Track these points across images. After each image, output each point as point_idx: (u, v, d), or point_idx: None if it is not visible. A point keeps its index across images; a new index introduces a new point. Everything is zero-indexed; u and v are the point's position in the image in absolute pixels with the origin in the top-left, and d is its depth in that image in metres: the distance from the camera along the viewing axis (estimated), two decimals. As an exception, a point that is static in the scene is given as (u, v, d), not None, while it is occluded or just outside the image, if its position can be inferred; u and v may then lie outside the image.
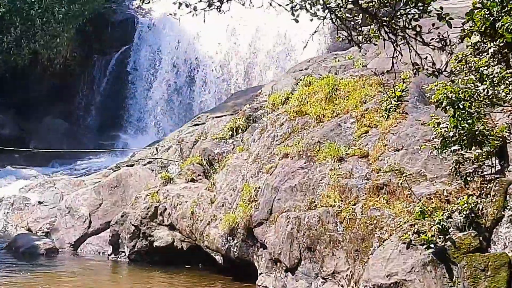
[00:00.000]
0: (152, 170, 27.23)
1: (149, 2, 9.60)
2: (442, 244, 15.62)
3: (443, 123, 13.85)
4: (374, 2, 9.63)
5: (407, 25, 9.78)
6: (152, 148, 29.86)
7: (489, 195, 15.93)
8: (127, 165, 28.54)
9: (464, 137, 13.48)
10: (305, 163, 18.93)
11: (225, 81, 39.19)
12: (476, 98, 12.88)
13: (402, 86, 19.42)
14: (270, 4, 10.13)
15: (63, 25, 38.87)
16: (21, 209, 28.19)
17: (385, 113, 19.16)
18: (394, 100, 19.11)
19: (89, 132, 41.25)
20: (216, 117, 28.47)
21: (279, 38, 37.47)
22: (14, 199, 28.81)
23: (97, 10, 41.04)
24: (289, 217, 18.09)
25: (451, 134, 13.60)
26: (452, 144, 13.71)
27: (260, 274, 18.91)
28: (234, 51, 38.95)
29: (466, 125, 13.21)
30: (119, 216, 23.77)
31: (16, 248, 24.41)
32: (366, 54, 23.64)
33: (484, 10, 11.23)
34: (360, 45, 10.63)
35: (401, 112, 19.04)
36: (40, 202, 28.17)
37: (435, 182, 16.89)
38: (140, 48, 41.64)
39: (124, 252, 23.60)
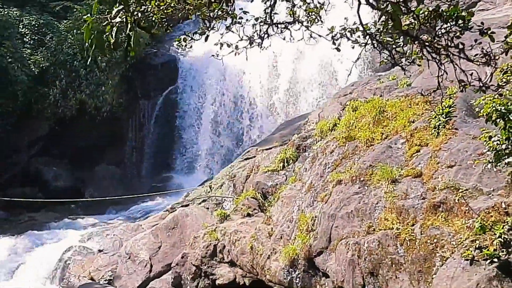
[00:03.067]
0: (207, 208, 27.35)
1: (191, 47, 9.70)
2: (506, 257, 15.44)
3: (495, 136, 13.76)
4: (414, 24, 9.64)
5: (449, 43, 9.77)
6: (206, 187, 29.99)
7: (548, 204, 15.77)
8: (182, 206, 28.70)
9: (518, 148, 13.38)
10: (359, 188, 18.88)
11: (271, 113, 39.30)
12: (526, 109, 12.79)
13: (449, 102, 19.33)
14: (311, 36, 10.21)
15: (107, 73, 39.49)
16: (82, 258, 28.46)
17: (434, 130, 19.07)
18: (443, 117, 19.02)
19: (141, 175, 41.61)
20: (266, 149, 28.57)
21: (322, 67, 37.52)
22: (74, 249, 29.11)
23: (139, 55, 41.54)
24: (349, 244, 18.02)
25: (503, 146, 13.50)
26: (506, 156, 13.60)
27: (325, 303, 18.84)
28: (277, 84, 39.10)
29: (518, 136, 13.12)
30: (179, 257, 23.87)
31: (80, 298, 24.68)
32: (409, 73, 23.59)
33: (525, 20, 11.18)
34: (403, 67, 10.65)
35: (450, 128, 18.92)
36: (100, 250, 28.43)
37: (492, 195, 16.73)
38: (184, 88, 41.99)
39: (188, 293, 23.68)
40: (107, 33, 8.57)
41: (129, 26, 8.43)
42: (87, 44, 8.76)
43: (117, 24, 8.42)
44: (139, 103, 43.16)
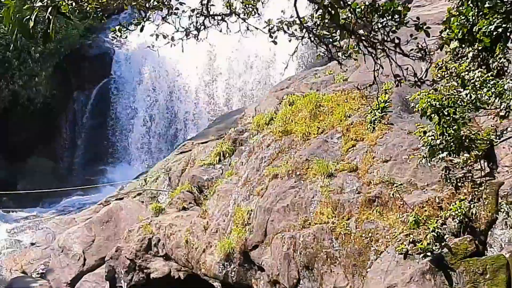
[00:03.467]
0: (142, 202, 27.13)
1: (126, 37, 9.54)
2: (439, 251, 15.61)
3: (429, 131, 13.86)
4: (350, 18, 9.63)
5: (385, 38, 9.78)
6: (140, 180, 29.74)
7: (481, 199, 15.95)
8: (116, 199, 28.42)
9: (451, 143, 13.50)
10: (295, 182, 18.91)
11: (208, 106, 39.18)
12: (460, 104, 12.92)
13: (385, 97, 19.47)
14: (248, 28, 10.14)
15: (41, 64, 38.85)
16: (14, 252, 28.05)
17: (370, 125, 19.21)
18: (378, 112, 19.16)
19: (75, 169, 41.12)
20: (202, 143, 28.44)
21: (257, 60, 37.49)
22: (6, 242, 28.65)
23: (73, 46, 40.99)
24: (284, 238, 18.03)
25: (438, 141, 13.61)
26: (440, 151, 13.72)
27: (260, 297, 18.83)
28: (214, 76, 38.98)
29: (452, 131, 13.23)
30: (113, 251, 23.64)
31: (12, 292, 24.31)
32: (346, 68, 23.66)
33: (460, 16, 11.27)
34: (340, 61, 10.64)
35: (386, 123, 19.08)
36: (32, 244, 28.04)
37: (426, 190, 16.91)
38: (119, 81, 41.59)
39: (121, 286, 23.43)
40: (27, 17, 8.35)
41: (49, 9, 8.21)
42: (7, 28, 8.55)
43: (38, 8, 8.20)
44: (73, 95, 42.60)
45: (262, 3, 10.13)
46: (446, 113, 12.97)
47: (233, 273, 19.52)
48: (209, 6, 9.83)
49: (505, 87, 12.53)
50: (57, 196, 35.44)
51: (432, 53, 10.52)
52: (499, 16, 10.85)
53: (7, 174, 38.82)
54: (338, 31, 9.89)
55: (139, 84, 40.99)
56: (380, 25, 9.79)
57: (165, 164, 29.30)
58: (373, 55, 10.20)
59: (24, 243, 28.46)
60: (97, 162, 39.89)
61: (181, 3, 9.67)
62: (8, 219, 32.61)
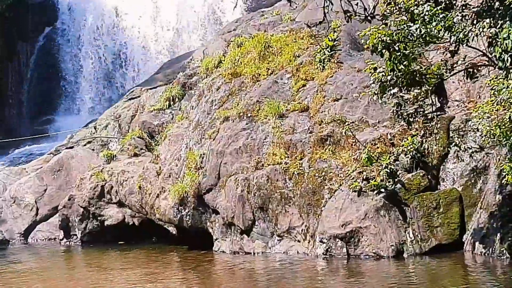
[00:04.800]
0: (93, 150, 26.86)
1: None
2: (392, 187, 15.83)
3: (380, 67, 13.84)
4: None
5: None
6: (90, 128, 29.43)
7: (432, 134, 16.15)
8: (66, 148, 28.09)
9: (402, 79, 13.50)
10: (246, 124, 18.90)
11: (153, 51, 38.83)
12: (410, 39, 12.88)
13: (334, 35, 19.44)
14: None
15: (-18, 13, 38.06)
16: (-36, 204, 27.72)
17: (320, 64, 19.20)
18: (328, 51, 19.15)
19: (23, 119, 40.59)
20: (150, 88, 28.19)
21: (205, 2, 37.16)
22: (-45, 195, 28.30)
23: (15, -5, 40.15)
24: (238, 180, 18.07)
25: (388, 77, 13.58)
26: (391, 88, 13.71)
27: (216, 239, 18.87)
28: (158, 21, 38.58)
29: (403, 67, 13.22)
30: (66, 200, 23.50)
31: (-37, 243, 24.06)
32: (294, 7, 23.51)
33: None
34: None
35: (335, 62, 19.10)
36: (-17, 195, 27.69)
37: (378, 127, 17.04)
38: (63, 29, 40.96)
39: (76, 235, 23.37)
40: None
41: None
42: None
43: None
44: (17, 45, 41.89)
45: None
46: (396, 49, 12.92)
47: (188, 217, 19.52)
48: None
49: (455, 20, 12.53)
50: (6, 148, 35.01)
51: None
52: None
53: (-48, 127, 38.29)
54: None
55: (83, 32, 40.41)
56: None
57: (114, 111, 29.00)
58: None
59: (-25, 195, 28.13)
60: (45, 112, 39.32)
61: None
62: (-43, 171, 32.15)
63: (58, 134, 33.40)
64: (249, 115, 19.01)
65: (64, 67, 40.06)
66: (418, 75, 13.82)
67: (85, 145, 27.67)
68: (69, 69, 39.99)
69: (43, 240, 24.63)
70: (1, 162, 32.88)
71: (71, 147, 27.91)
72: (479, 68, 14.24)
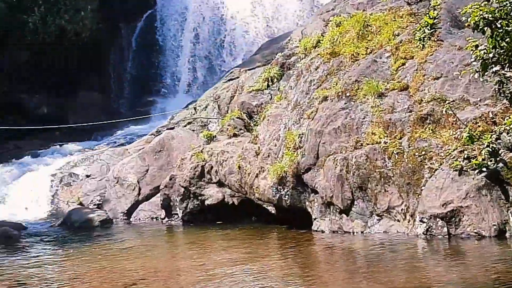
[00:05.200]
0: (193, 131, 27.26)
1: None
2: (494, 166, 15.58)
3: (481, 45, 13.64)
4: None
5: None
6: (190, 109, 29.85)
7: (535, 111, 15.82)
8: (167, 129, 28.57)
9: (505, 57, 13.27)
10: (345, 103, 18.85)
11: (252, 33, 39.04)
12: (513, 15, 12.67)
13: (434, 13, 19.19)
14: None
15: (86, -3, 38.89)
16: (70, 184, 28.48)
17: (419, 43, 19.00)
18: (428, 29, 18.92)
19: (125, 101, 41.40)
20: (249, 69, 28.42)
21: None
22: (62, 175, 29.09)
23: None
24: (337, 159, 18.07)
25: (490, 55, 13.38)
26: (493, 65, 13.51)
27: (315, 219, 18.92)
28: (257, 3, 38.79)
29: (505, 44, 13.00)
30: (167, 180, 23.90)
31: (71, 223, 24.69)
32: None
33: None
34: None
35: (435, 40, 18.85)
36: (87, 176, 28.39)
37: (479, 105, 16.78)
38: (164, 11, 41.55)
39: (177, 214, 23.76)
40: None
41: None
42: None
43: None
44: (119, 28, 42.68)
45: None
46: (499, 26, 12.73)
47: (286, 196, 19.65)
48: None
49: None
50: (108, 129, 35.77)
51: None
52: None
53: (57, 109, 39.21)
54: None
55: (183, 14, 40.89)
56: None
57: (214, 92, 29.34)
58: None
59: (79, 175, 28.86)
60: (146, 93, 40.06)
61: None
62: (62, 152, 33.00)
63: (159, 116, 33.95)
64: (347, 94, 18.96)
65: (164, 49, 40.69)
66: (521, 52, 13.56)
67: (185, 126, 28.10)
68: (169, 52, 40.59)
69: (145, 219, 25.13)
70: (104, 143, 33.70)
71: (172, 128, 28.37)
72: None
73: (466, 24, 13.80)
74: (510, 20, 12.72)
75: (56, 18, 38.01)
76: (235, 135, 24.02)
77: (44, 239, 22.70)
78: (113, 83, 42.32)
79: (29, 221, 26.36)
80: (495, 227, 15.41)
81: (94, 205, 26.32)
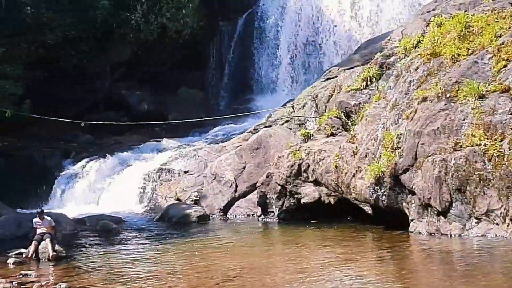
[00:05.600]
0: (290, 129, 27.42)
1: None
2: None
3: None
4: None
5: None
6: (288, 107, 30.00)
7: None
8: (265, 127, 28.82)
9: None
10: (445, 104, 18.65)
11: (350, 33, 38.97)
12: None
13: (538, 14, 18.86)
14: None
15: (188, -5, 39.43)
16: (168, 180, 29.01)
17: (522, 44, 18.67)
18: (531, 30, 18.61)
19: (223, 98, 41.84)
20: (347, 69, 28.40)
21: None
22: (161, 171, 29.63)
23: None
24: (435, 161, 17.90)
25: None
26: None
27: (412, 220, 18.80)
28: (356, 4, 38.76)
29: None
30: (264, 177, 24.09)
31: (169, 218, 25.15)
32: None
33: None
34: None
35: (539, 41, 18.50)
36: (185, 172, 28.87)
37: None
38: (264, 10, 41.79)
39: (272, 212, 23.91)
40: None
41: None
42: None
43: None
44: (219, 26, 43.16)
45: None
46: None
47: (383, 197, 19.59)
48: None
49: None
50: (207, 126, 36.22)
51: None
52: None
53: (157, 105, 39.96)
54: None
55: (282, 14, 41.07)
56: None
57: (312, 91, 29.43)
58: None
59: (178, 171, 29.33)
60: (244, 91, 40.46)
61: None
62: (161, 148, 33.59)
63: (256, 113, 34.19)
64: (447, 95, 18.75)
65: (263, 48, 40.90)
66: None
67: (282, 124, 28.27)
68: (268, 50, 40.79)
69: (241, 215, 25.43)
70: (202, 139, 34.13)
71: (269, 126, 28.61)
72: None
73: None
74: None
75: (158, 16, 38.70)
76: (332, 134, 24.06)
77: (142, 234, 23.19)
78: (212, 81, 42.85)
79: (128, 214, 26.96)
80: None
81: (192, 200, 26.74)
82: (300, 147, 23.74)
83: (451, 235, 17.54)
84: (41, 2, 36.00)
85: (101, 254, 19.41)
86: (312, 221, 22.40)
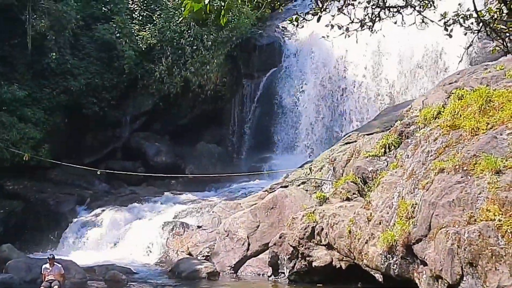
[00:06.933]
0: (307, 191, 27.45)
1: (302, 27, 9.66)
2: None
3: None
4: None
5: None
6: (305, 169, 30.07)
7: None
8: (281, 187, 28.86)
9: None
10: (461, 177, 18.63)
11: (372, 98, 39.13)
12: None
13: (559, 93, 18.92)
14: (423, 21, 10.15)
15: (212, 51, 39.87)
16: (181, 234, 28.99)
17: (543, 122, 18.70)
18: (551, 108, 18.65)
19: (241, 155, 41.97)
20: (367, 134, 28.48)
21: (427, 53, 37.11)
22: (174, 224, 29.65)
23: (244, 35, 41.81)
24: (449, 233, 17.83)
25: None
26: None
27: (422, 291, 18.72)
28: (380, 69, 38.92)
29: None
30: (277, 238, 24.06)
31: (179, 272, 25.10)
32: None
33: None
34: (516, 56, 10.50)
35: (560, 120, 18.53)
36: (199, 227, 28.88)
37: None
38: (287, 70, 42.11)
39: (283, 273, 23.84)
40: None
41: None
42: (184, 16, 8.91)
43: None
44: (242, 83, 43.48)
45: (439, -4, 10.12)
46: None
47: (395, 265, 19.50)
48: (385, -2, 9.91)
49: None
50: (223, 181, 36.29)
51: None
52: None
53: (175, 158, 40.09)
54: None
55: (306, 76, 41.35)
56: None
57: (330, 154, 29.51)
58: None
59: (190, 225, 29.34)
60: (263, 149, 40.55)
61: (357, -5, 9.80)
62: (176, 201, 33.66)
63: (273, 173, 34.23)
64: (464, 168, 18.74)
65: (284, 107, 41.13)
66: None
67: (299, 185, 28.32)
68: (289, 110, 41.00)
69: (251, 274, 25.33)
70: (218, 195, 34.18)
71: (286, 186, 28.64)
72: None
73: None
74: None
75: (182, 69, 39.09)
76: (348, 199, 24.04)
77: (151, 287, 23.11)
78: (231, 137, 43.03)
79: (139, 266, 26.92)
80: None
81: (203, 256, 26.69)
82: (315, 209, 23.73)
83: (461, 309, 17.43)
84: (66, 48, 36.51)
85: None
86: (322, 284, 22.30)
